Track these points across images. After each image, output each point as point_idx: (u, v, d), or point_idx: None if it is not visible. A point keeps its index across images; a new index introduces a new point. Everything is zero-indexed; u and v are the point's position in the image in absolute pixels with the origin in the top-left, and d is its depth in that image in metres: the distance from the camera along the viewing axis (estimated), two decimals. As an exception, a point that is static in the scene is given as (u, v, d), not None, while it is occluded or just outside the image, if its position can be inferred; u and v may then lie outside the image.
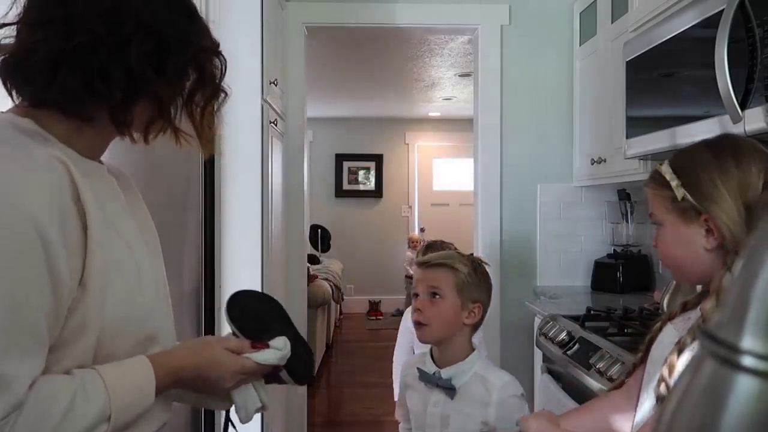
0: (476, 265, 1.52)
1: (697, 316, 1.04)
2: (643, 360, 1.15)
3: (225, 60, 0.96)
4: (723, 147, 1.01)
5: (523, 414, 1.37)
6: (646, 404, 1.09)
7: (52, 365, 0.80)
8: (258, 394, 1.05)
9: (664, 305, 1.33)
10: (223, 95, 0.96)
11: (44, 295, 0.75)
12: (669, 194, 1.03)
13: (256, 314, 1.08)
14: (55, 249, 0.75)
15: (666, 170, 1.04)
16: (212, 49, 0.94)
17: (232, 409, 1.06)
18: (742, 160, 0.98)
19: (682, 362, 0.96)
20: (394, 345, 2.52)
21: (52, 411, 0.76)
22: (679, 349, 0.98)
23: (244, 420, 1.05)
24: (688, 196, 1.00)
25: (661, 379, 0.99)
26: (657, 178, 1.06)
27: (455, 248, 2.37)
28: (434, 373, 1.47)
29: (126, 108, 0.86)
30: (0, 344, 0.72)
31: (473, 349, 1.51)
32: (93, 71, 0.82)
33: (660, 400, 0.99)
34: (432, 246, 2.32)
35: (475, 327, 1.52)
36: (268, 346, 1.02)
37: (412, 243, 7.48)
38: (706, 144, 1.04)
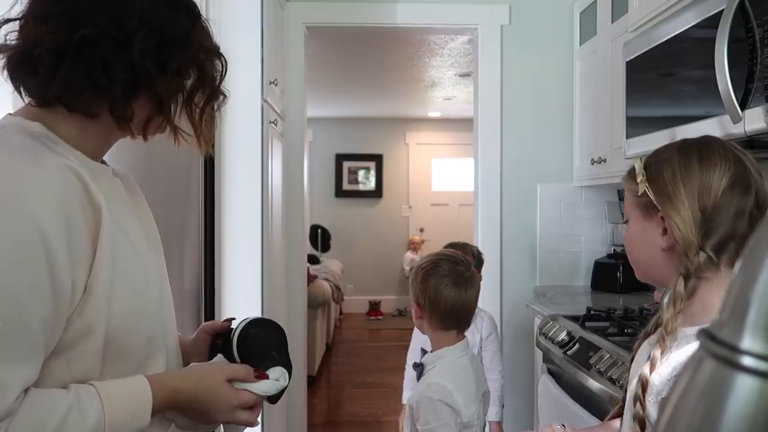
0: (417, 269, 1.64)
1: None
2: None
3: (226, 62, 0.96)
4: (692, 147, 0.98)
5: (437, 420, 1.45)
6: (625, 424, 1.04)
7: (62, 368, 0.81)
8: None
9: (664, 305, 1.34)
10: (222, 97, 0.97)
11: (43, 304, 0.75)
12: (635, 187, 1.01)
13: (259, 341, 1.06)
14: (58, 257, 0.75)
15: (638, 163, 1.01)
16: (213, 49, 0.95)
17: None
18: (706, 161, 0.94)
19: (655, 377, 0.93)
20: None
21: (45, 423, 0.75)
22: (651, 364, 0.94)
23: None
24: (649, 191, 0.97)
25: (635, 397, 0.95)
26: (630, 172, 1.04)
27: (479, 251, 2.38)
28: (423, 356, 1.64)
29: (126, 103, 0.86)
30: None
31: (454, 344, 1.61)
32: (95, 65, 0.83)
33: (636, 419, 0.94)
34: (453, 247, 2.31)
35: (447, 326, 1.63)
36: (267, 377, 1.01)
37: (412, 245, 7.49)
38: (681, 142, 1.01)
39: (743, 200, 0.93)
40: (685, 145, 0.99)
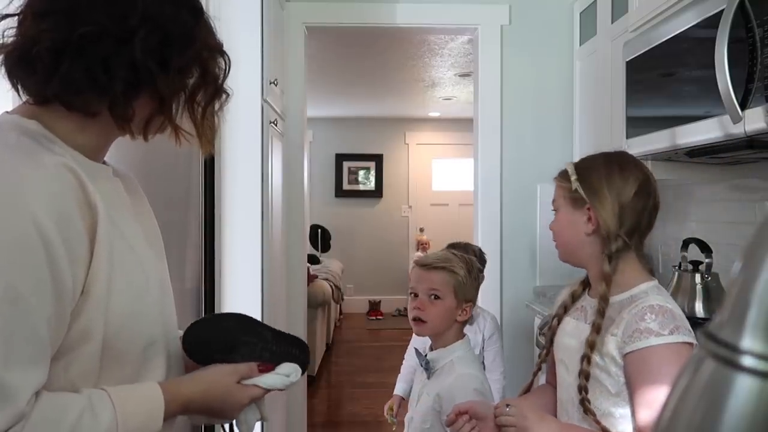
0: (470, 267, 1.63)
1: (589, 303, 1.29)
2: (548, 353, 1.38)
3: (229, 59, 0.95)
4: (614, 159, 1.29)
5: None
6: (563, 381, 1.30)
7: (59, 372, 0.79)
8: (259, 408, 1.05)
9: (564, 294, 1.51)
10: (225, 95, 0.95)
11: (47, 303, 0.74)
12: (568, 186, 1.28)
13: (215, 336, 1.05)
14: (58, 255, 0.74)
15: (569, 167, 1.31)
16: (217, 47, 0.93)
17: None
18: (625, 170, 1.25)
19: (601, 339, 1.19)
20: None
21: (59, 426, 0.75)
22: (596, 329, 1.20)
23: None
24: (580, 189, 1.26)
25: (583, 356, 1.21)
26: (563, 173, 1.32)
27: (481, 251, 2.37)
28: (425, 355, 1.61)
29: (127, 102, 0.84)
30: (2, 354, 0.71)
31: (460, 340, 1.62)
32: (96, 62, 0.81)
33: (582, 374, 1.20)
34: (455, 247, 2.31)
35: (465, 322, 1.64)
36: (273, 369, 1.02)
37: (420, 245, 7.48)
38: (605, 155, 1.32)
39: (647, 201, 1.24)
40: (608, 157, 1.30)
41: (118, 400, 0.81)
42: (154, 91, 0.86)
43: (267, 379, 1.00)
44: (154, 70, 0.84)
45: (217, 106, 0.95)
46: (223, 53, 0.94)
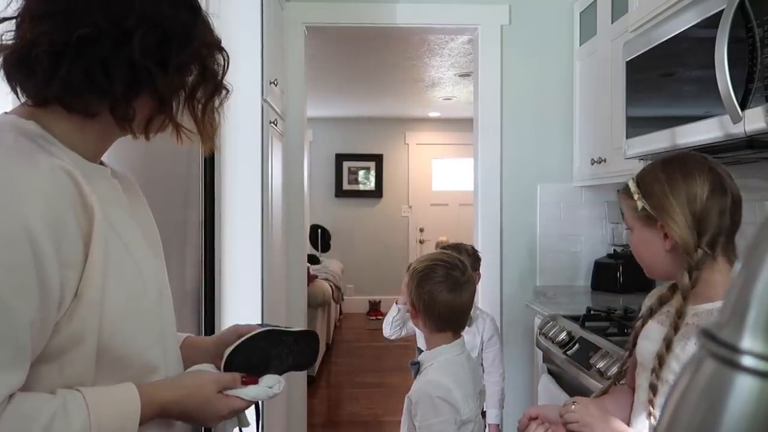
0: (413, 275, 1.63)
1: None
2: (630, 355, 1.32)
3: (228, 56, 0.95)
4: (673, 163, 1.18)
5: (436, 416, 1.48)
6: (640, 390, 1.23)
7: (55, 374, 0.79)
8: (239, 417, 1.03)
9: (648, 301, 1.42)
10: (224, 92, 0.95)
11: (30, 306, 0.73)
12: (633, 204, 1.20)
13: (255, 362, 1.05)
14: (46, 258, 0.73)
15: (631, 183, 1.22)
16: (215, 44, 0.93)
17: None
18: (688, 175, 1.14)
19: (671, 356, 1.13)
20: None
21: (29, 427, 0.74)
22: (667, 344, 1.13)
23: None
24: (647, 206, 1.17)
25: (653, 370, 1.14)
26: (626, 190, 1.23)
27: (474, 249, 2.37)
28: (419, 355, 1.64)
29: (127, 102, 0.84)
30: None
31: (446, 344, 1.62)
32: (95, 64, 0.81)
33: (652, 389, 1.14)
34: (447, 248, 2.32)
35: (440, 326, 1.62)
36: (257, 382, 1.00)
37: (439, 247, 7.46)
38: (663, 161, 1.21)
39: (723, 200, 1.13)
40: (667, 163, 1.19)
41: (92, 401, 0.79)
42: (154, 91, 0.86)
43: (250, 391, 0.99)
44: (153, 70, 0.84)
45: (217, 102, 0.95)
46: (221, 50, 0.94)
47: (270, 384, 1.02)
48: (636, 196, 1.18)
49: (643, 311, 1.31)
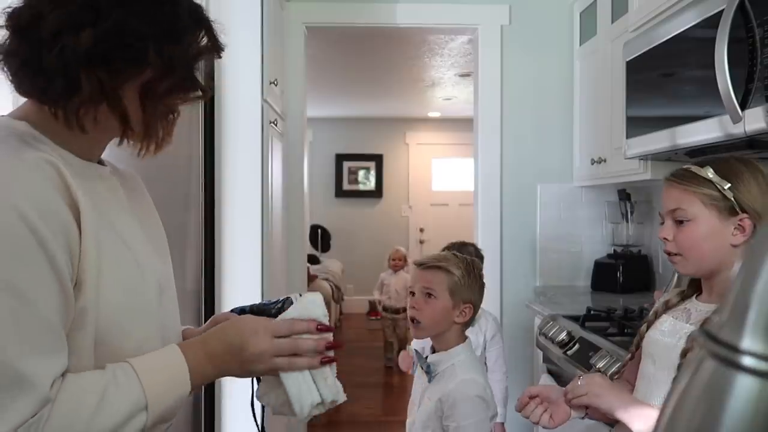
0: (470, 268, 1.60)
1: (695, 307, 1.23)
2: (638, 348, 1.32)
3: (196, 46, 0.89)
4: (750, 162, 1.19)
5: (475, 415, 1.47)
6: (641, 387, 1.26)
7: None
8: (316, 383, 0.95)
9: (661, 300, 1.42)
10: (190, 91, 0.90)
11: (53, 291, 0.76)
12: (710, 192, 1.17)
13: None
14: (49, 242, 0.75)
15: (711, 174, 1.18)
16: (175, 36, 0.86)
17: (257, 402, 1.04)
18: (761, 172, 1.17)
19: None
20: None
21: (84, 403, 0.77)
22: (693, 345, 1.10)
23: (299, 415, 0.96)
24: (739, 197, 1.15)
25: (684, 351, 1.14)
26: (697, 178, 1.19)
27: (477, 248, 2.37)
28: (426, 357, 1.61)
29: (69, 103, 0.82)
30: (16, 344, 0.72)
31: (461, 343, 1.60)
32: (35, 69, 0.82)
33: (678, 369, 1.14)
34: (451, 247, 2.31)
35: (466, 324, 1.61)
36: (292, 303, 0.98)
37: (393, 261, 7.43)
38: (735, 158, 1.21)
39: None
40: (742, 161, 1.20)
41: (141, 368, 0.83)
42: (98, 85, 0.82)
43: (294, 309, 1.02)
44: (96, 63, 0.81)
45: (175, 101, 0.90)
46: (183, 40, 0.87)
47: (314, 298, 1.07)
48: (726, 186, 1.16)
49: (658, 305, 1.32)
